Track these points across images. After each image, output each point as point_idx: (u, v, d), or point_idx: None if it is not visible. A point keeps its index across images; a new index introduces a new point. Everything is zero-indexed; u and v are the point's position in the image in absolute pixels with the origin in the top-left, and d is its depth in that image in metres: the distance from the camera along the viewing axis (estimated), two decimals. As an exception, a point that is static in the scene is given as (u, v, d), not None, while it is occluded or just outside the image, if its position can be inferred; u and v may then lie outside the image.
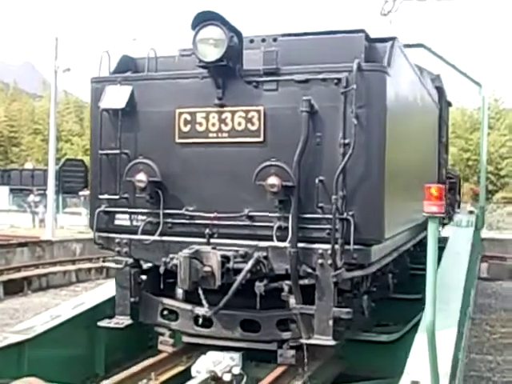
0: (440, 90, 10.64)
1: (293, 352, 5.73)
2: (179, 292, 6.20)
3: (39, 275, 14.63)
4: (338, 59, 5.51)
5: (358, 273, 5.55)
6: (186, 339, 6.18)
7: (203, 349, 6.06)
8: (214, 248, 5.57)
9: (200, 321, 5.91)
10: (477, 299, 13.16)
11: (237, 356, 5.98)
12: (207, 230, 5.69)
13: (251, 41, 6.55)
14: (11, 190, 41.66)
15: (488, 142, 22.13)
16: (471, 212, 11.38)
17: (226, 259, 5.55)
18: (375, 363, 7.24)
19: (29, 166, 48.45)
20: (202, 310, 5.79)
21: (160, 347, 6.23)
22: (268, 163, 5.48)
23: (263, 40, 6.46)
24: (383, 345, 7.51)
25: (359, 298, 6.09)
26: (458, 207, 16.81)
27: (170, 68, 6.22)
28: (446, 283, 6.97)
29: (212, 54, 5.52)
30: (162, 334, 6.24)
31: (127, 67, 6.58)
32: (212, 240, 5.72)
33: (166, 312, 6.30)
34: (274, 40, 6.18)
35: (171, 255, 5.74)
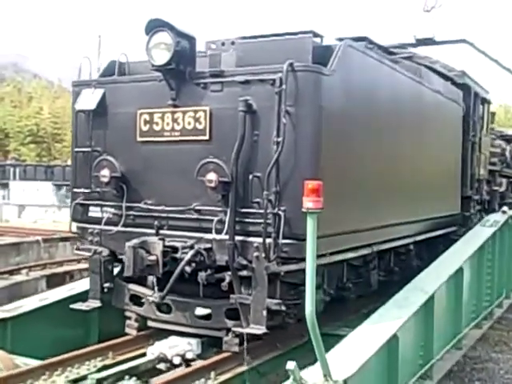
0: (465, 88, 10.38)
1: (237, 340, 6.02)
2: (149, 279, 6.67)
3: (80, 269, 15.15)
4: (286, 60, 5.73)
5: (291, 267, 5.74)
6: (149, 323, 6.63)
7: (170, 334, 6.49)
8: (161, 239, 5.98)
9: (154, 306, 6.35)
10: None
11: (194, 342, 6.34)
12: (156, 222, 6.11)
13: (223, 44, 6.93)
14: (54, 186, 42.91)
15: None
16: (504, 212, 10.98)
17: (174, 250, 5.96)
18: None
19: (71, 162, 49.96)
20: (153, 296, 6.23)
21: (126, 330, 6.71)
22: (207, 160, 5.82)
23: (232, 43, 6.81)
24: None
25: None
26: None
27: (146, 71, 6.67)
28: (418, 285, 7.00)
29: (161, 58, 5.92)
30: (130, 318, 6.72)
31: (113, 71, 7.11)
32: (164, 231, 6.13)
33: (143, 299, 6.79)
34: (233, 43, 6.57)
35: None
